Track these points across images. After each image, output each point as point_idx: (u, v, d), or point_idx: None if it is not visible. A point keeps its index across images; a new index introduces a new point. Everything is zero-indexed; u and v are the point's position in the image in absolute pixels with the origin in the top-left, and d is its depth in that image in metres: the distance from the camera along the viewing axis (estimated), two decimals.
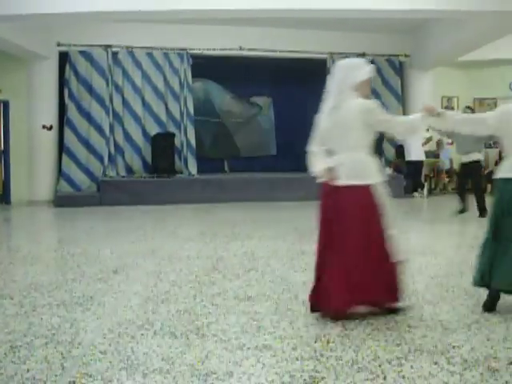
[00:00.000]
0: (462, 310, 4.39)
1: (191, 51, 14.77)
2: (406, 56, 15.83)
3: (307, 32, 14.73)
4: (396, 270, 4.28)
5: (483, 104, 16.43)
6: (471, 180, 10.82)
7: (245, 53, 14.75)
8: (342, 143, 4.26)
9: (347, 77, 4.25)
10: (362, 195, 4.20)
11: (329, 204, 4.25)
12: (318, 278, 4.30)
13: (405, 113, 15.60)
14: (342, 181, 4.19)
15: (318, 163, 4.35)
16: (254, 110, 16.96)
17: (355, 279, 4.13)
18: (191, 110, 14.91)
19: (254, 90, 16.55)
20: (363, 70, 4.30)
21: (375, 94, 15.73)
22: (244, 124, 16.79)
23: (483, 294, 4.74)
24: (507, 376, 3.16)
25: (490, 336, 3.83)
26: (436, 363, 3.34)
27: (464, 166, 10.64)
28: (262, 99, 16.94)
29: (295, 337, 3.83)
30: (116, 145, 14.57)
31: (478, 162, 10.50)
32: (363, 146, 4.29)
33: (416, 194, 14.84)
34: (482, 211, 10.10)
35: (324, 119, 4.36)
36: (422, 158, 14.80)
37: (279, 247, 7.38)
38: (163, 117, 14.94)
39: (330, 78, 4.37)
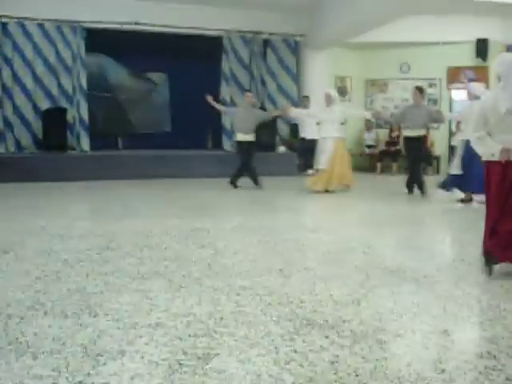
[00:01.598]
0: (353, 286, 4.52)
1: (85, 24, 14.32)
2: (301, 36, 15.94)
3: (204, 8, 14.60)
4: None
5: (374, 85, 16.89)
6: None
7: (140, 27, 14.43)
8: None
9: None
10: None
11: (504, 180, 4.76)
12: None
13: (299, 92, 15.81)
14: None
15: (491, 145, 4.78)
16: (148, 85, 16.77)
17: None
18: (84, 85, 14.49)
19: (149, 66, 16.29)
20: None
21: (271, 74, 15.87)
22: (138, 100, 16.57)
23: (372, 269, 4.93)
24: (394, 348, 3.29)
25: (379, 310, 3.96)
26: (327, 337, 3.43)
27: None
28: (157, 75, 16.78)
29: (188, 314, 3.83)
30: (5, 120, 14.00)
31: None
32: None
33: (309, 171, 15.11)
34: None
35: (498, 106, 4.68)
36: (316, 136, 15.09)
37: (173, 225, 7.34)
38: (55, 91, 14.43)
39: (503, 68, 4.73)
